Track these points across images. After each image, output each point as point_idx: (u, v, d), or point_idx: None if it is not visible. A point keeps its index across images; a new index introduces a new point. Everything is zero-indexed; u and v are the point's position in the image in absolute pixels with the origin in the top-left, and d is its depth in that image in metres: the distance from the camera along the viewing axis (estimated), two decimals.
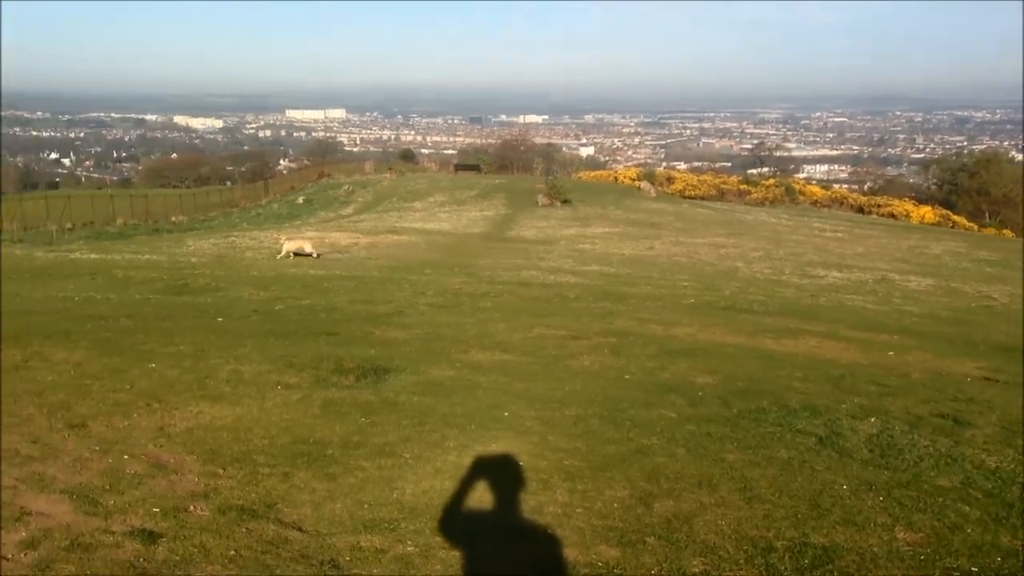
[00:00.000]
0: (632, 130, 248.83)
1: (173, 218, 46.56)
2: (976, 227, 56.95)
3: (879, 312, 16.85)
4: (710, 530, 4.74)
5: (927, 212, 58.04)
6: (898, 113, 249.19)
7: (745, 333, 12.11)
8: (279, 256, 23.58)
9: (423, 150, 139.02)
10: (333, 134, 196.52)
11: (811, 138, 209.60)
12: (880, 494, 5.30)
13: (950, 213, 59.52)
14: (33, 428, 5.86)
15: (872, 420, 7.26)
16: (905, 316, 16.30)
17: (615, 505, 5.03)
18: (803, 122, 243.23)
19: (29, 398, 6.52)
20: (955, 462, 6.06)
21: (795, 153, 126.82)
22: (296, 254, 23.70)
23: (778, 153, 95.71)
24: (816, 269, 26.30)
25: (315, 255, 23.87)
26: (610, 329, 11.72)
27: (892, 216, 57.23)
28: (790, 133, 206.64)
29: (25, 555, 4.07)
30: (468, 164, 76.28)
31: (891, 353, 11.00)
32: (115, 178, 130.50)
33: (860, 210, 60.53)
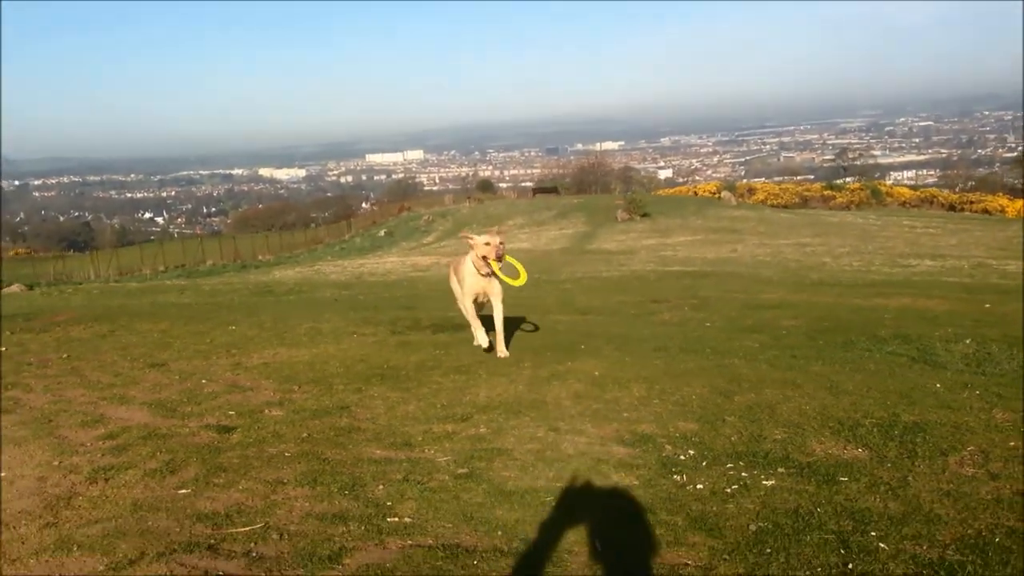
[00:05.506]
0: (710, 149, 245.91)
1: (260, 256, 47.60)
2: None
3: (976, 284, 16.17)
4: (793, 412, 4.55)
5: None
6: (986, 112, 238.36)
7: (834, 296, 11.74)
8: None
9: (501, 184, 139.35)
10: (412, 175, 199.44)
11: (896, 144, 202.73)
12: (976, 390, 5.01)
13: None
14: (116, 368, 6.00)
15: (967, 342, 6.94)
16: (1004, 287, 15.60)
17: (693, 397, 4.87)
18: (887, 128, 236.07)
19: (114, 351, 6.68)
20: None
21: (880, 160, 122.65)
22: None
23: (861, 161, 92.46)
24: (908, 260, 25.35)
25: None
26: (692, 295, 11.51)
27: (987, 212, 54.95)
28: (874, 141, 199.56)
29: (103, 443, 4.15)
30: (546, 187, 75.72)
31: (988, 305, 10.52)
32: (206, 232, 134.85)
33: (952, 208, 58.31)
